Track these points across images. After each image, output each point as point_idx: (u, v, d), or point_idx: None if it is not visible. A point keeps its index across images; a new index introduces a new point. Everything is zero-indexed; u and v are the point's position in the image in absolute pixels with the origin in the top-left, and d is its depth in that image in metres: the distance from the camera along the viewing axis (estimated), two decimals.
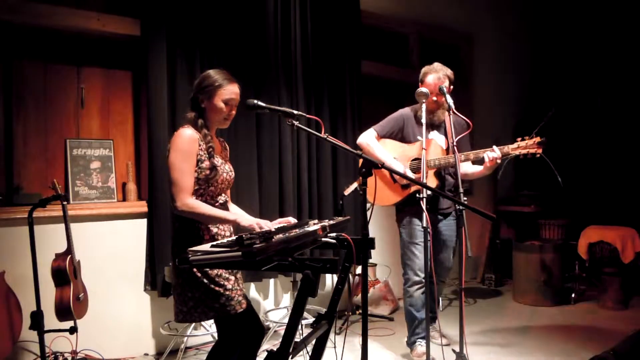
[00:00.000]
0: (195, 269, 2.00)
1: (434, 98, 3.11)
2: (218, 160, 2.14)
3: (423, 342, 3.18)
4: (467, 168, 3.23)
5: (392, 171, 2.10)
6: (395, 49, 5.03)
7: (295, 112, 2.09)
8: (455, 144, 2.81)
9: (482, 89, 5.62)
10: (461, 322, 2.64)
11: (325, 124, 3.88)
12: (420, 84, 3.20)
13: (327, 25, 4.06)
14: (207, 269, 2.01)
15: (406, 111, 3.34)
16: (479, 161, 3.11)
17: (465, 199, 2.59)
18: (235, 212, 2.27)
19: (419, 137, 3.22)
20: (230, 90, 2.12)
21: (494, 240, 5.51)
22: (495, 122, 5.64)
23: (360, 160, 3.55)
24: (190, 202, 2.00)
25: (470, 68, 5.58)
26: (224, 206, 2.18)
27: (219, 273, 2.04)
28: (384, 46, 4.95)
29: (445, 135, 3.28)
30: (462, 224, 2.59)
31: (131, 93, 3.48)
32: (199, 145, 2.07)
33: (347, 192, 3.55)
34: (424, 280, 3.10)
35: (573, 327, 3.85)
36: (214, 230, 2.11)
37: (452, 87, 3.16)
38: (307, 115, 2.31)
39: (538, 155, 2.95)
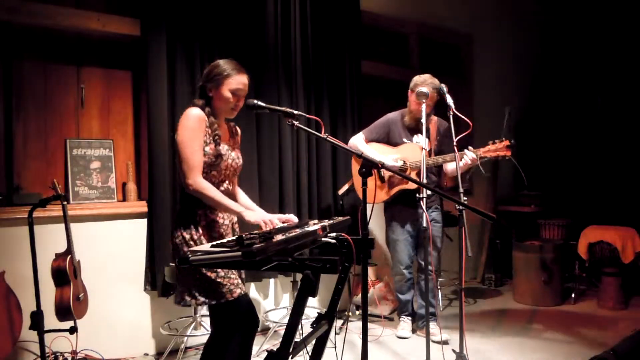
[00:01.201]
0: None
1: (421, 108, 3.34)
2: (224, 147, 2.15)
3: (407, 319, 3.70)
4: (446, 167, 3.54)
5: (393, 171, 2.11)
6: (395, 49, 5.03)
7: (295, 112, 2.09)
8: (456, 144, 2.86)
9: (482, 89, 5.62)
10: (461, 322, 2.64)
11: (325, 124, 3.89)
12: (410, 92, 3.46)
13: (327, 25, 4.07)
14: None
15: (392, 115, 3.61)
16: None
17: (465, 199, 2.60)
18: (245, 204, 2.32)
19: (404, 140, 3.52)
20: (238, 80, 2.14)
21: (494, 240, 5.51)
22: (495, 122, 5.64)
23: (353, 162, 3.71)
24: (201, 183, 2.04)
25: (470, 68, 5.58)
26: (226, 193, 2.18)
27: None
28: (384, 46, 4.95)
29: (429, 138, 3.50)
30: (462, 224, 2.59)
31: (131, 93, 3.48)
32: (206, 126, 2.09)
33: (341, 191, 3.89)
34: (404, 272, 3.59)
35: (573, 327, 3.85)
36: (212, 217, 2.13)
37: (438, 97, 3.35)
38: (307, 115, 2.32)
39: (507, 157, 3.11)
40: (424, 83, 3.34)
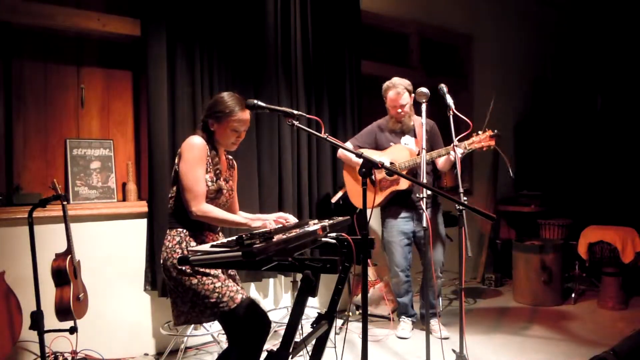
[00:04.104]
0: (181, 274, 2.04)
1: (399, 110, 3.50)
2: (222, 182, 2.20)
3: (407, 320, 3.69)
4: (437, 162, 3.58)
5: (393, 172, 2.11)
6: (395, 49, 5.03)
7: (295, 112, 2.10)
8: (456, 144, 2.88)
9: (482, 89, 5.62)
10: (461, 322, 2.64)
11: (325, 124, 3.89)
12: (384, 98, 3.57)
13: (327, 25, 4.07)
14: (191, 272, 2.04)
15: (378, 122, 3.72)
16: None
17: (465, 199, 2.60)
18: (246, 216, 2.36)
19: (391, 143, 3.60)
20: (241, 117, 2.18)
21: (494, 240, 5.51)
22: (495, 122, 5.64)
23: (345, 170, 3.72)
24: (204, 208, 2.08)
25: (470, 68, 5.58)
26: None
27: (206, 272, 2.06)
28: (384, 46, 4.95)
29: (416, 138, 3.58)
30: (462, 224, 2.59)
31: (131, 93, 3.48)
32: (207, 155, 2.13)
33: (334, 199, 3.94)
34: (400, 274, 3.60)
35: (573, 327, 3.85)
36: (202, 238, 2.17)
37: (413, 95, 3.45)
38: (307, 115, 2.32)
39: (492, 148, 3.17)
40: (390, 87, 3.48)
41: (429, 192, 3.39)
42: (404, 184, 3.48)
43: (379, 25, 4.75)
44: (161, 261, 2.13)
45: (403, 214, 3.57)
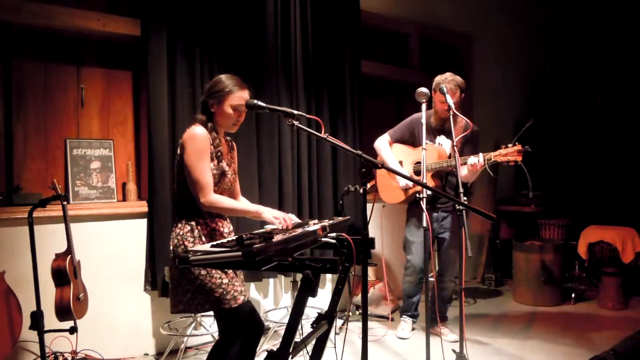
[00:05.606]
0: None
1: (445, 107, 3.25)
2: (224, 164, 2.20)
3: (407, 319, 3.68)
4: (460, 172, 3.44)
5: (391, 171, 2.11)
6: (395, 49, 5.03)
7: (295, 112, 2.09)
8: (456, 144, 2.86)
9: (482, 90, 5.62)
10: (461, 322, 2.64)
11: (325, 124, 3.89)
12: (433, 92, 3.35)
13: (327, 25, 4.06)
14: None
15: (417, 115, 3.51)
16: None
17: (465, 199, 2.60)
18: (256, 205, 2.34)
19: (426, 141, 3.37)
20: (240, 96, 2.17)
21: (494, 240, 5.51)
22: (495, 122, 5.65)
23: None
24: (213, 199, 2.09)
25: (470, 68, 5.57)
26: None
27: None
28: (384, 46, 4.95)
29: (451, 139, 3.37)
30: (463, 224, 2.59)
31: (131, 93, 3.48)
32: (210, 144, 2.12)
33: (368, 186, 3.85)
34: (415, 275, 3.54)
35: (573, 327, 3.85)
36: (212, 225, 2.16)
37: (463, 95, 3.32)
38: (307, 116, 2.32)
39: (519, 163, 3.04)
40: (443, 81, 3.32)
41: (433, 194, 3.38)
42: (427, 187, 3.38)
43: (379, 25, 4.75)
44: (170, 248, 2.13)
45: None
